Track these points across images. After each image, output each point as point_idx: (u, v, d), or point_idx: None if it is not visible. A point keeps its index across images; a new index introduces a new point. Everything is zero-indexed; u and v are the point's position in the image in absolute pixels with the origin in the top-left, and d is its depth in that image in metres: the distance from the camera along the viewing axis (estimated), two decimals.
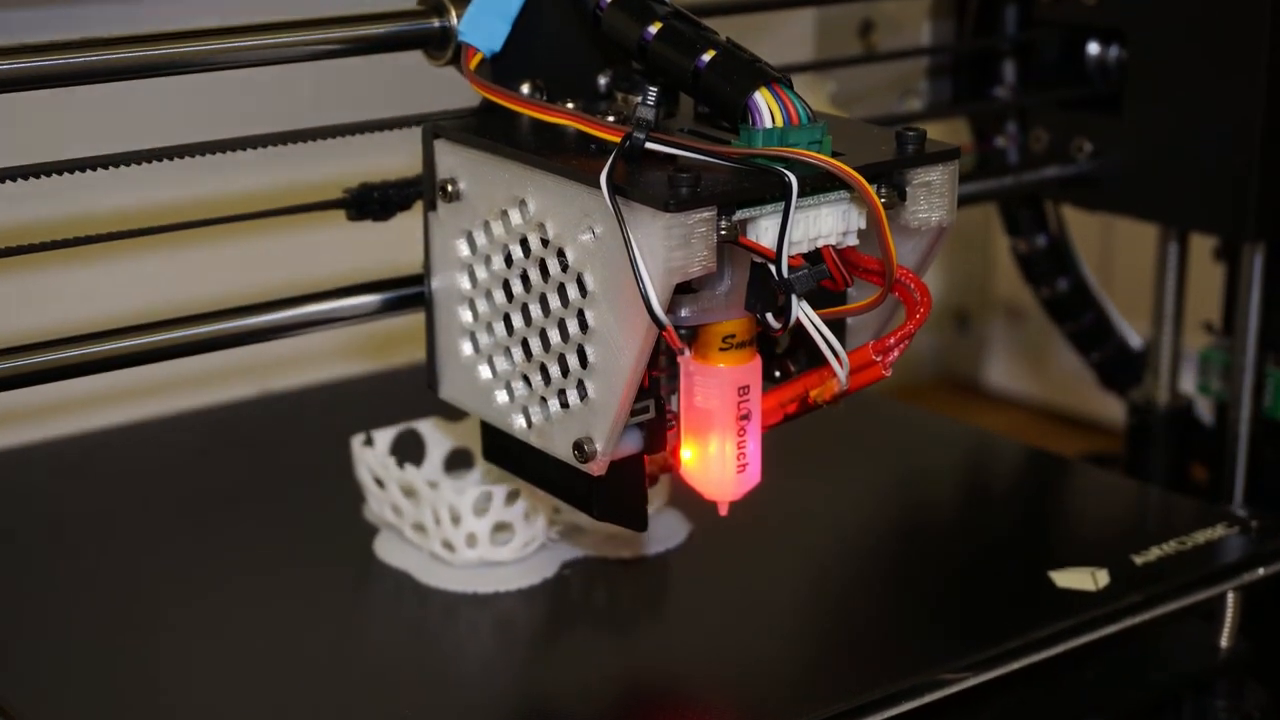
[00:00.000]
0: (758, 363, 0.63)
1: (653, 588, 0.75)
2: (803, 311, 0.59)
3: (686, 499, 0.76)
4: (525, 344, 0.63)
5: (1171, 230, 0.90)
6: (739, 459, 0.63)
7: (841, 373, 0.61)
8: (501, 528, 0.73)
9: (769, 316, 0.60)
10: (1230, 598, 0.74)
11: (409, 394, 0.78)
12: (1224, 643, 0.75)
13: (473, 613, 0.71)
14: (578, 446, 0.61)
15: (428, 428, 0.79)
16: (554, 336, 0.61)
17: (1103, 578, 0.73)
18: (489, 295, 0.64)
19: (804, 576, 0.76)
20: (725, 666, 0.68)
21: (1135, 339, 1.00)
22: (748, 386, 0.62)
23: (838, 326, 0.64)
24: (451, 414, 0.76)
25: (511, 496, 0.73)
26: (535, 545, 0.74)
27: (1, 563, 0.76)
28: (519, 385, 0.64)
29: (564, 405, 0.62)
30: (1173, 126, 0.84)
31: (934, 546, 0.79)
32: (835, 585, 0.76)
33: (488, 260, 0.63)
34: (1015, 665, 0.68)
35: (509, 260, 0.62)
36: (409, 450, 0.78)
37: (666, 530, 0.77)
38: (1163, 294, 0.91)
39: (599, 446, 0.60)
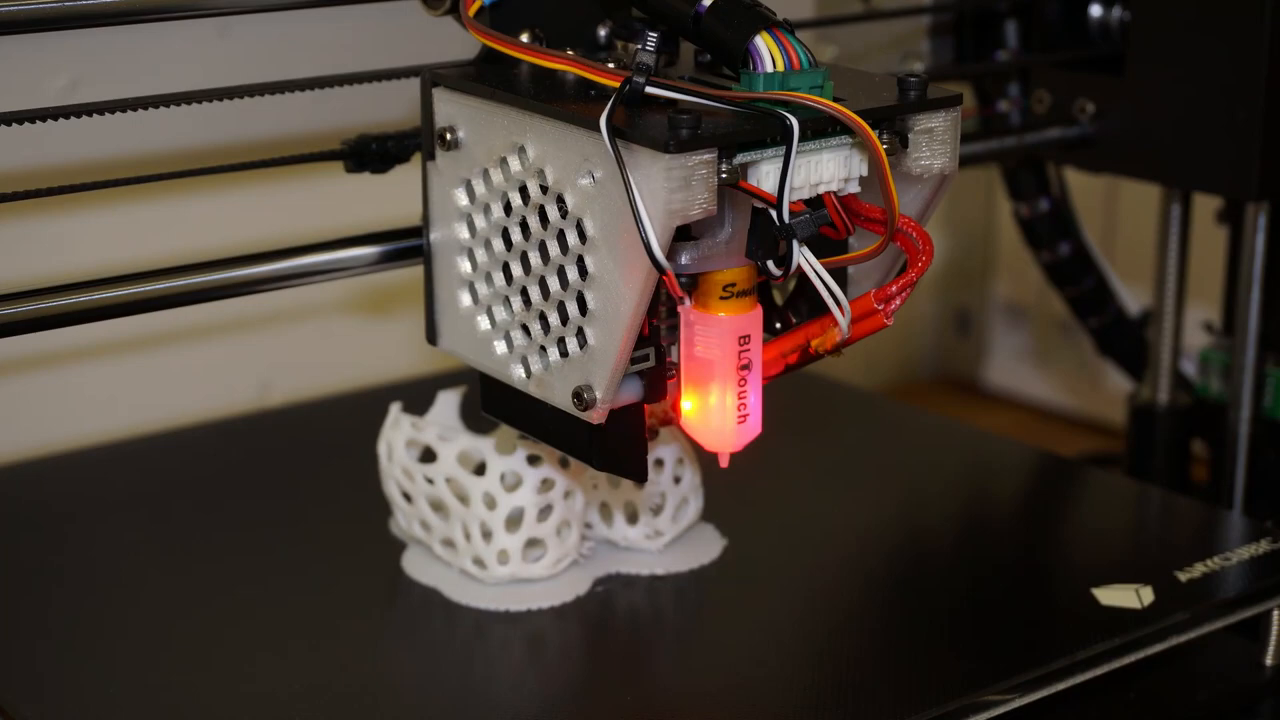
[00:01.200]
0: (759, 312, 0.62)
1: (687, 604, 0.73)
2: (804, 258, 0.59)
3: (720, 514, 0.77)
4: (524, 293, 0.62)
5: (1174, 192, 0.89)
6: (739, 410, 0.62)
7: (843, 321, 0.61)
8: (533, 544, 0.72)
9: (770, 264, 0.60)
10: (1276, 615, 0.73)
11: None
12: (1269, 660, 0.73)
13: (505, 631, 0.70)
14: (577, 395, 0.60)
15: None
16: (553, 284, 0.61)
17: (1147, 595, 0.71)
18: (488, 245, 0.63)
19: (839, 594, 0.75)
20: (761, 687, 0.66)
21: (1134, 306, 0.99)
22: (748, 336, 0.62)
23: (839, 277, 0.64)
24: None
25: (544, 513, 0.71)
26: (567, 562, 0.73)
27: (22, 572, 0.74)
28: (518, 335, 0.63)
29: (563, 354, 0.61)
30: (1176, 86, 0.83)
31: (968, 561, 0.78)
32: (870, 603, 0.74)
33: (486, 209, 0.63)
34: (1061, 686, 0.66)
35: (508, 208, 0.62)
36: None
37: (701, 546, 0.76)
38: (1165, 257, 0.91)
39: (599, 394, 0.60)
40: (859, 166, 0.60)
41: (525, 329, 0.63)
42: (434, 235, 0.65)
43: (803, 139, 0.57)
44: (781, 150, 0.57)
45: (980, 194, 1.29)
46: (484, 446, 0.71)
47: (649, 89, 0.57)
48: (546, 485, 0.71)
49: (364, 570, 0.74)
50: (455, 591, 0.72)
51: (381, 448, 0.74)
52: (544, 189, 0.60)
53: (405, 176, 0.70)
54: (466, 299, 0.65)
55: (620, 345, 0.59)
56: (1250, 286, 0.86)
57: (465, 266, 0.64)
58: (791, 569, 0.75)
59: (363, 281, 0.96)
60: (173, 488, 0.82)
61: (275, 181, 0.79)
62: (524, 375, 0.63)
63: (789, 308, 0.67)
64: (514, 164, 0.61)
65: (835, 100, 0.58)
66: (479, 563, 0.72)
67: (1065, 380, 1.26)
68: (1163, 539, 0.81)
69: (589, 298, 0.59)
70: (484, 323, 0.64)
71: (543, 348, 0.62)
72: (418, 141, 0.68)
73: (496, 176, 0.62)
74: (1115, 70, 0.85)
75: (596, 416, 0.61)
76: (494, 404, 0.67)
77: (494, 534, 0.71)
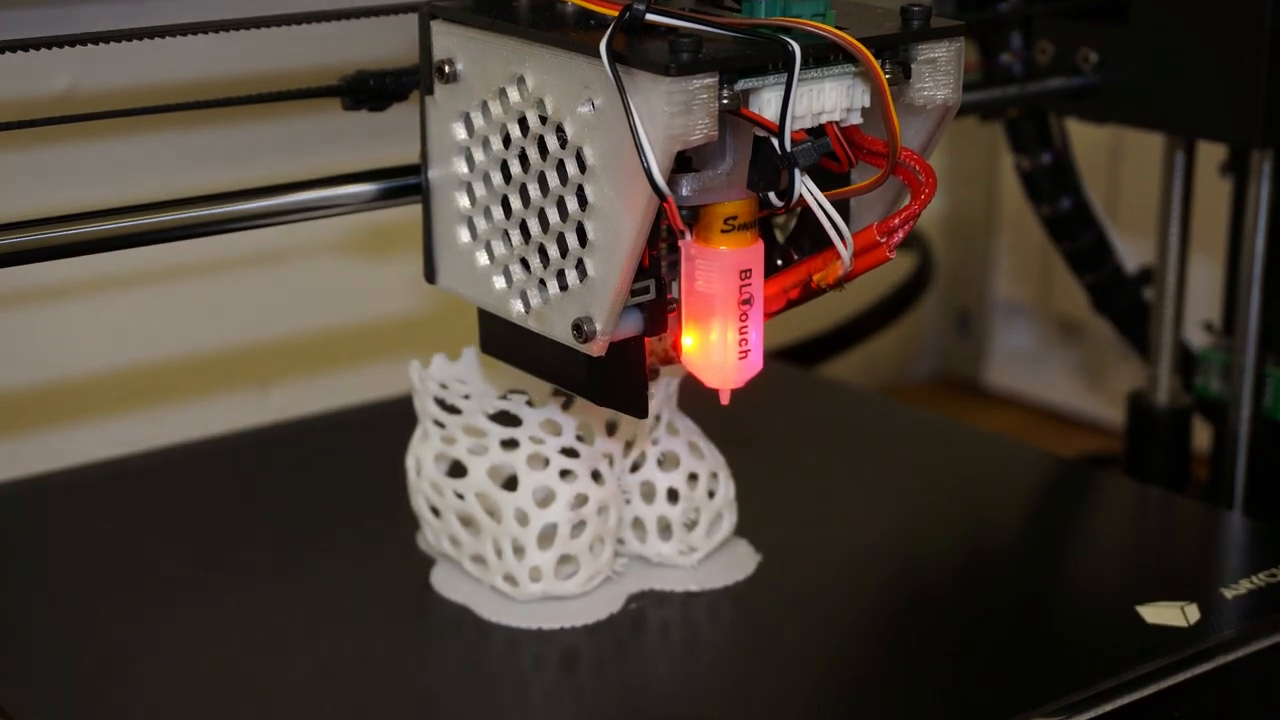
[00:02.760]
0: (760, 246, 0.62)
1: (722, 622, 0.71)
2: (806, 187, 0.58)
3: (754, 530, 0.75)
4: (523, 226, 0.62)
5: (1178, 142, 0.88)
6: (740, 345, 0.62)
7: (845, 253, 0.60)
8: (566, 560, 0.70)
9: (772, 195, 0.59)
10: None
11: None
12: None
13: (537, 649, 0.68)
14: (577, 327, 0.60)
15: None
16: (552, 216, 0.60)
17: (1193, 613, 0.70)
18: (486, 179, 0.63)
19: (873, 612, 0.73)
20: (796, 706, 0.65)
21: (1131, 265, 0.99)
22: (750, 270, 0.61)
23: (841, 211, 0.63)
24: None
25: (577, 529, 0.70)
26: (600, 578, 0.71)
27: (50, 589, 0.73)
28: (517, 269, 0.63)
29: (563, 287, 0.61)
30: (1180, 34, 0.82)
31: (1003, 577, 0.76)
32: (907, 622, 0.72)
33: (485, 142, 0.62)
34: (1109, 707, 0.65)
35: (507, 140, 0.61)
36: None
37: (734, 562, 0.74)
38: (1168, 209, 0.90)
39: (599, 326, 0.59)
40: (861, 97, 0.59)
41: (524, 263, 0.62)
42: (432, 171, 0.65)
43: (805, 66, 0.57)
44: (783, 78, 0.56)
45: (981, 193, 1.29)
46: (515, 460, 0.70)
47: (649, 16, 0.57)
48: (580, 500, 0.70)
49: (392, 586, 0.73)
50: (486, 609, 0.70)
51: (410, 462, 0.73)
52: (543, 119, 0.60)
53: (403, 115, 0.69)
54: (465, 235, 0.64)
55: (620, 275, 0.58)
56: (1248, 313, 0.86)
57: (463, 201, 0.64)
58: (825, 586, 0.74)
59: (360, 224, 0.95)
60: (192, 503, 0.80)
61: (272, 119, 0.78)
62: (523, 310, 0.63)
63: (790, 245, 0.66)
64: (513, 95, 0.60)
65: (838, 29, 0.58)
66: (510, 580, 0.70)
67: (1065, 380, 1.26)
68: (1205, 554, 0.79)
69: (589, 228, 0.59)
70: (483, 258, 0.64)
71: (542, 281, 0.62)
72: (416, 78, 0.67)
73: (495, 108, 0.61)
74: (1118, 19, 0.85)
75: (596, 349, 0.60)
76: (493, 343, 0.67)
77: (526, 550, 0.70)
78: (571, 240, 0.60)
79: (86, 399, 0.93)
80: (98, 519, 0.79)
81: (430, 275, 0.67)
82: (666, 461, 0.73)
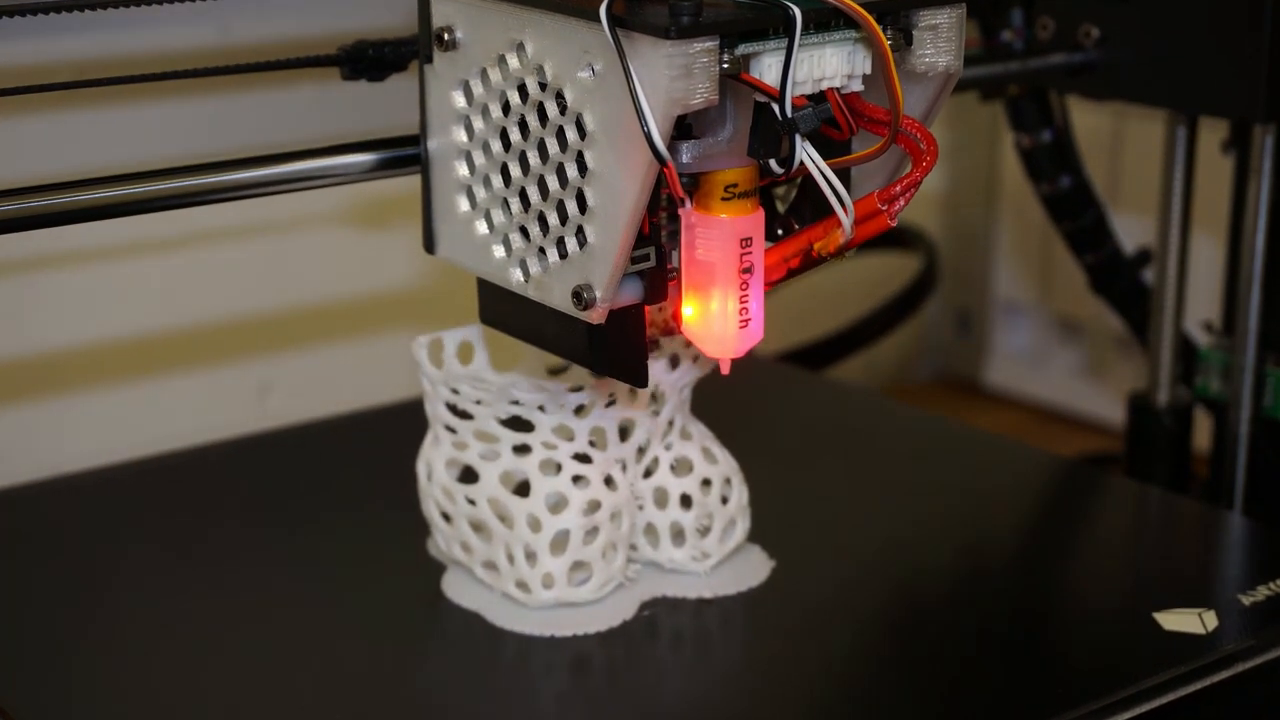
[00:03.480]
0: (760, 215, 0.61)
1: (735, 629, 0.71)
2: (807, 153, 0.58)
3: (767, 536, 0.75)
4: (523, 194, 0.62)
5: (1180, 118, 0.88)
6: (741, 314, 0.61)
7: (846, 220, 0.60)
8: (578, 566, 0.70)
9: (772, 163, 0.59)
10: None
11: None
12: None
13: (549, 656, 0.68)
14: (576, 295, 0.60)
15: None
16: (552, 183, 0.60)
17: (1211, 620, 0.69)
18: (486, 147, 0.63)
19: (888, 619, 0.72)
20: (809, 716, 0.65)
21: (1129, 247, 0.99)
22: (750, 239, 0.61)
23: (843, 180, 0.63)
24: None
25: (590, 535, 0.69)
26: (613, 585, 0.71)
27: (52, 592, 0.72)
28: (516, 238, 0.62)
29: (562, 255, 0.61)
30: (1181, 9, 0.82)
31: (1016, 582, 0.76)
32: (921, 628, 0.71)
33: (485, 110, 0.62)
34: (1130, 715, 0.64)
35: (506, 108, 0.61)
36: None
37: (748, 568, 0.73)
38: (1170, 188, 0.90)
39: (598, 293, 0.59)
40: (863, 63, 0.59)
41: (524, 231, 0.62)
42: (431, 141, 0.65)
43: (806, 31, 0.57)
44: (784, 42, 0.56)
45: (980, 192, 1.29)
46: (528, 466, 0.70)
47: None
48: (592, 506, 0.69)
49: (402, 593, 0.72)
50: (498, 615, 0.70)
51: (420, 467, 0.72)
52: (543, 86, 0.59)
53: (403, 85, 0.69)
54: (464, 204, 0.64)
55: (620, 241, 0.58)
56: (1248, 312, 0.86)
57: (463, 170, 0.64)
58: (838, 593, 0.73)
59: (359, 196, 0.95)
60: (199, 508, 0.80)
61: (270, 88, 0.77)
62: (522, 278, 0.62)
63: (791, 214, 0.66)
64: (513, 62, 0.60)
65: None
66: (523, 586, 0.70)
67: (1065, 380, 1.25)
68: (1221, 560, 0.79)
69: (588, 194, 0.59)
70: (482, 227, 0.64)
71: (541, 249, 0.61)
72: (415, 49, 0.67)
73: (495, 76, 0.61)
74: None
75: (596, 316, 0.60)
76: (492, 312, 0.66)
77: (538, 557, 0.69)
78: (571, 207, 0.59)
79: (80, 371, 0.92)
80: (104, 524, 0.78)
81: (429, 245, 0.66)
82: (679, 467, 0.73)
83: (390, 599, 0.72)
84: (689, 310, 0.62)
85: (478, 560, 0.71)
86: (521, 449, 0.70)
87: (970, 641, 0.69)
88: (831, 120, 0.59)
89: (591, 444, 0.70)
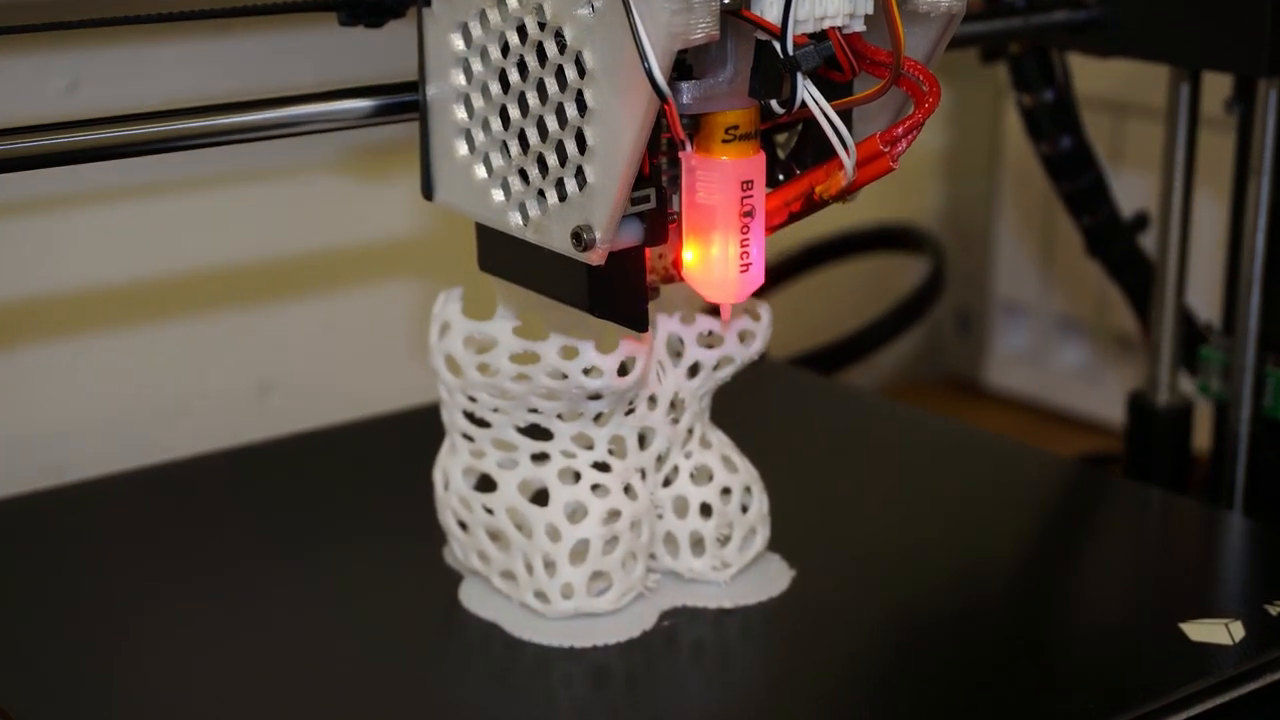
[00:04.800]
0: (762, 158, 0.61)
1: (756, 640, 0.70)
2: (808, 92, 0.58)
3: (787, 544, 0.74)
4: (522, 136, 0.61)
5: (1183, 74, 0.88)
6: (742, 259, 0.61)
7: (848, 161, 0.59)
8: (598, 576, 0.69)
9: (773, 103, 0.58)
10: None
11: None
12: None
13: (568, 667, 0.67)
14: (576, 236, 0.59)
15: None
16: (551, 124, 0.60)
17: (1238, 630, 0.68)
18: (485, 90, 0.62)
19: (908, 628, 0.71)
20: None
21: (1127, 211, 0.98)
22: (751, 181, 0.61)
23: (844, 123, 0.62)
24: None
25: (610, 544, 0.69)
26: (633, 595, 0.70)
27: (62, 598, 0.71)
28: (515, 181, 0.62)
29: (561, 198, 0.60)
30: None
31: (1039, 591, 0.74)
32: (941, 638, 0.70)
33: (484, 53, 0.62)
34: None
35: (505, 50, 0.61)
36: None
37: (768, 578, 0.73)
38: (1173, 145, 0.89)
39: (598, 234, 0.59)
40: (865, 3, 0.59)
41: (523, 174, 0.62)
42: (430, 85, 0.64)
43: None
44: None
45: (980, 192, 1.28)
46: (547, 474, 0.69)
47: None
48: (612, 515, 0.69)
49: (418, 603, 0.71)
50: (516, 626, 0.69)
51: (437, 475, 0.72)
52: (542, 25, 0.59)
53: (401, 30, 0.69)
54: (463, 148, 0.63)
55: (620, 181, 0.58)
56: (1248, 311, 0.86)
57: (461, 114, 0.63)
58: (857, 602, 0.72)
59: (356, 142, 0.94)
60: (212, 514, 0.79)
61: (266, 34, 0.77)
62: (521, 222, 0.62)
63: (793, 160, 0.66)
64: (511, 2, 0.60)
65: None
66: (541, 596, 0.69)
67: (1065, 380, 1.25)
68: (1246, 568, 0.78)
69: (588, 134, 0.58)
70: (481, 171, 0.63)
71: (541, 192, 0.61)
72: None
73: (494, 16, 0.61)
74: None
75: (596, 257, 0.59)
76: (491, 260, 0.66)
77: (558, 566, 0.68)
78: (571, 148, 0.59)
79: (74, 313, 0.92)
80: (114, 532, 0.78)
81: (428, 191, 0.66)
82: (699, 475, 0.72)
83: (406, 608, 0.71)
84: (689, 255, 0.62)
85: (495, 570, 0.70)
86: (540, 457, 0.69)
87: (993, 651, 0.69)
88: (833, 60, 0.58)
89: (611, 452, 0.70)
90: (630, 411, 0.70)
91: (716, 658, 0.69)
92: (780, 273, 1.16)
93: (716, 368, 0.71)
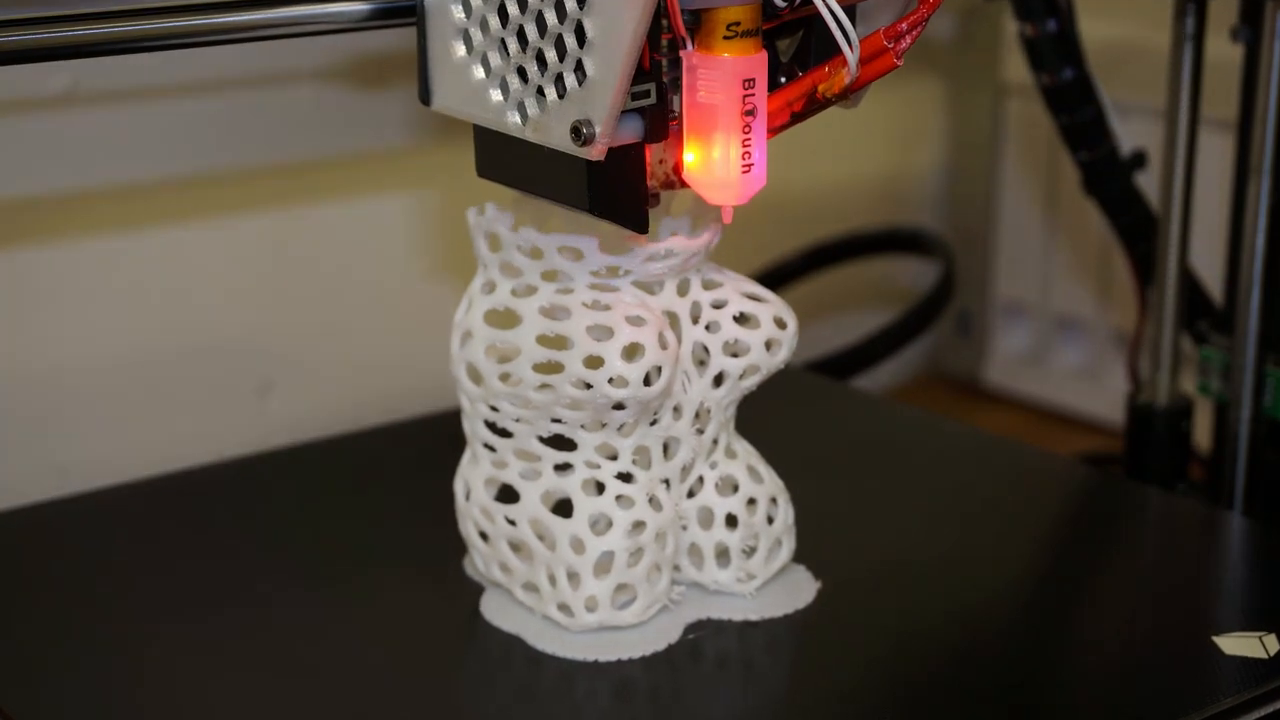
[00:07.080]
0: (764, 56, 0.60)
1: (781, 654, 0.69)
2: None
3: (813, 555, 0.73)
4: (520, 33, 0.60)
5: (1188, 5, 0.86)
6: (744, 159, 0.60)
7: (851, 57, 0.59)
8: (622, 589, 0.68)
9: None
10: None
11: None
12: None
13: (592, 681, 0.66)
14: (575, 130, 0.58)
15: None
16: (550, 18, 0.59)
17: (1272, 644, 0.67)
18: None
19: (934, 641, 0.70)
20: None
21: (1126, 147, 0.97)
22: (753, 80, 0.60)
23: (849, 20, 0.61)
24: None
25: (634, 557, 0.67)
26: (657, 608, 0.69)
27: (74, 609, 0.70)
28: (514, 79, 0.61)
29: (560, 94, 0.59)
30: None
31: (1068, 602, 0.74)
32: (972, 652, 0.69)
33: None
34: None
35: None
36: None
37: (794, 590, 0.72)
38: (1179, 77, 0.88)
39: (598, 128, 0.58)
40: None
41: (521, 73, 0.61)
42: None
43: None
44: None
45: (980, 192, 1.28)
46: (570, 485, 0.68)
47: None
48: (637, 527, 0.67)
49: (438, 615, 0.70)
50: (539, 639, 0.68)
51: (458, 486, 0.70)
52: None
53: None
54: (460, 49, 0.63)
55: (619, 73, 0.57)
56: (1249, 310, 0.85)
57: (459, 14, 0.62)
58: (883, 614, 0.71)
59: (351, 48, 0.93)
60: (231, 522, 0.78)
61: None
62: (520, 121, 0.61)
63: (795, 62, 0.65)
64: None
65: None
66: (565, 609, 0.68)
67: (1065, 380, 1.24)
68: (1256, 571, 0.77)
69: (588, 26, 0.57)
70: (478, 72, 0.62)
71: (540, 89, 0.60)
72: None
73: None
74: None
75: (595, 152, 0.58)
76: (489, 165, 0.65)
77: (581, 579, 0.67)
78: (570, 41, 0.58)
79: (59, 217, 0.90)
80: (129, 537, 0.77)
81: (425, 96, 0.65)
82: (724, 486, 0.71)
83: (426, 621, 0.70)
84: (690, 156, 0.61)
85: (517, 582, 0.69)
86: (563, 468, 0.68)
87: (1023, 663, 0.68)
88: None
89: (635, 463, 0.68)
90: (655, 422, 0.68)
91: (742, 671, 0.68)
92: (787, 273, 1.15)
93: (742, 377, 0.70)
